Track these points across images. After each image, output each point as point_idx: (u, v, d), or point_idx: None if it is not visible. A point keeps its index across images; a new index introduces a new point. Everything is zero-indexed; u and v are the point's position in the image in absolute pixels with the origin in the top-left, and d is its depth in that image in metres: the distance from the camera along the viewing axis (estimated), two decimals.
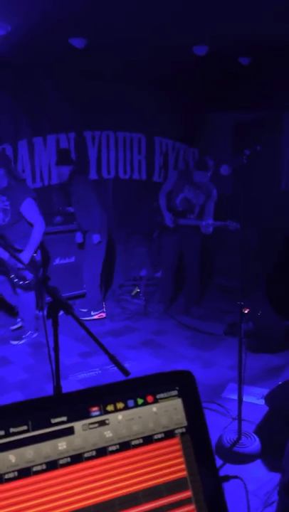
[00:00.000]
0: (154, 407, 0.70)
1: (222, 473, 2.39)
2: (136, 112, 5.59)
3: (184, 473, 0.67)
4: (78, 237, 5.01)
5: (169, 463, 0.68)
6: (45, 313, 1.84)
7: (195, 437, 0.70)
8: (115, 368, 1.79)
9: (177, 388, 0.72)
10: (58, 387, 1.85)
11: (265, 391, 3.06)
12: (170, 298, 5.09)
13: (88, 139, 5.56)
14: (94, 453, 0.66)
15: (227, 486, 2.19)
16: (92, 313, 4.88)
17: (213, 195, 4.71)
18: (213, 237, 4.81)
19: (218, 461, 2.54)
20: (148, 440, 0.69)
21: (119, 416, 0.69)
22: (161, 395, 0.71)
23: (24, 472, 0.63)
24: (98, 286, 4.94)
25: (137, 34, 4.07)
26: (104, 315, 4.92)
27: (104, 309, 4.97)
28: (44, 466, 0.63)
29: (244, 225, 2.57)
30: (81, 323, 1.79)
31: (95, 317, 4.87)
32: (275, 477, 2.41)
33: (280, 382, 2.87)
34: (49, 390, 3.23)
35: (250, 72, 5.15)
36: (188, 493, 0.66)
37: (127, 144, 5.90)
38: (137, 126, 5.87)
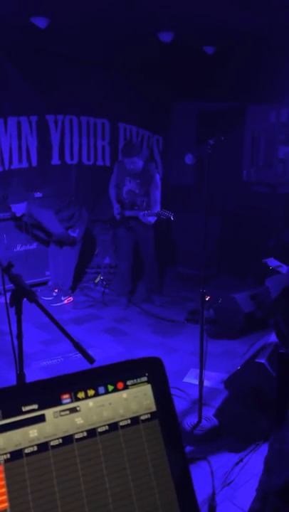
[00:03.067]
0: (124, 394, 0.72)
1: None
2: (100, 96, 5.51)
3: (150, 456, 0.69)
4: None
5: (140, 446, 0.70)
6: (8, 300, 1.81)
7: (164, 421, 0.72)
8: (78, 356, 1.78)
9: (147, 374, 0.74)
10: (21, 375, 1.83)
11: (225, 376, 3.15)
12: (130, 290, 5.02)
13: (51, 122, 5.43)
14: (61, 440, 0.66)
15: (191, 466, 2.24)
16: (62, 298, 4.93)
17: (155, 182, 4.50)
18: (176, 227, 4.84)
19: None
20: (115, 426, 0.70)
21: (90, 403, 0.70)
22: (131, 382, 0.73)
23: None
24: (73, 272, 4.99)
25: (103, 16, 3.99)
26: (72, 299, 4.99)
27: (71, 294, 5.05)
28: (13, 454, 0.64)
29: (207, 215, 2.61)
30: (45, 311, 1.77)
31: (65, 302, 4.90)
32: (233, 458, 2.51)
33: (238, 367, 2.97)
34: (11, 378, 3.18)
35: (215, 62, 5.19)
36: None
37: (90, 129, 5.81)
38: (101, 111, 5.78)
